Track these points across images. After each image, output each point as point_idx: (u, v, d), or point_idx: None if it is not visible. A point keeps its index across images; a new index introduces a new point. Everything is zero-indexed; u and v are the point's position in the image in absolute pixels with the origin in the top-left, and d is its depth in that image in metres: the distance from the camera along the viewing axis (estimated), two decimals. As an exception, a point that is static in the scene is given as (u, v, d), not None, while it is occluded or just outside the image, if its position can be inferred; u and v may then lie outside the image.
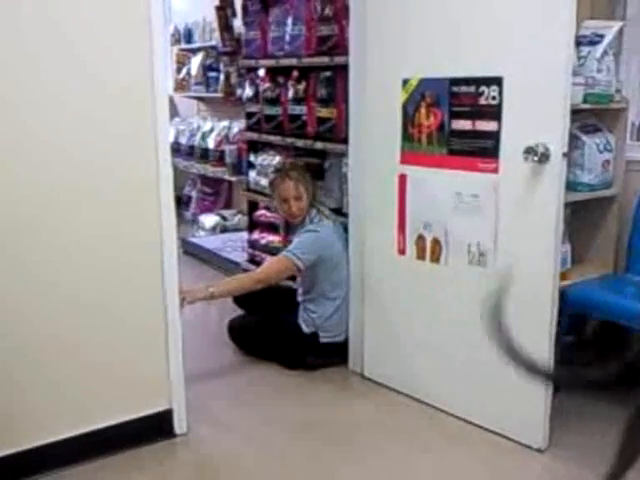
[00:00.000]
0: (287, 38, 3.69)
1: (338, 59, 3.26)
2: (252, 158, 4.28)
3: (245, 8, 4.13)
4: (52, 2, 2.15)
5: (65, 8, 2.17)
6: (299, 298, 3.24)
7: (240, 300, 3.35)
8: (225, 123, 5.53)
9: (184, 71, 6.23)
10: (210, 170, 5.54)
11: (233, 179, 5.24)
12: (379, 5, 2.76)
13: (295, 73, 3.70)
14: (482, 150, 2.47)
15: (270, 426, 2.68)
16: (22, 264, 2.22)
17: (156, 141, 2.36)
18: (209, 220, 5.61)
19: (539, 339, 2.38)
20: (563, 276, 2.61)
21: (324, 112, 3.49)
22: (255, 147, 4.28)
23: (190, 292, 2.88)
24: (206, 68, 5.85)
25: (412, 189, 2.74)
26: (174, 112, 6.42)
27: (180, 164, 5.77)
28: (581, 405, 2.75)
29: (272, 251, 3.98)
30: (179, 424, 2.57)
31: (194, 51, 6.12)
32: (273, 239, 4.15)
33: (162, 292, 2.46)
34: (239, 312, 3.39)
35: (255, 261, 4.22)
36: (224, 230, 5.50)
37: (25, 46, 2.12)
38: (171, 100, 6.33)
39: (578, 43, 2.67)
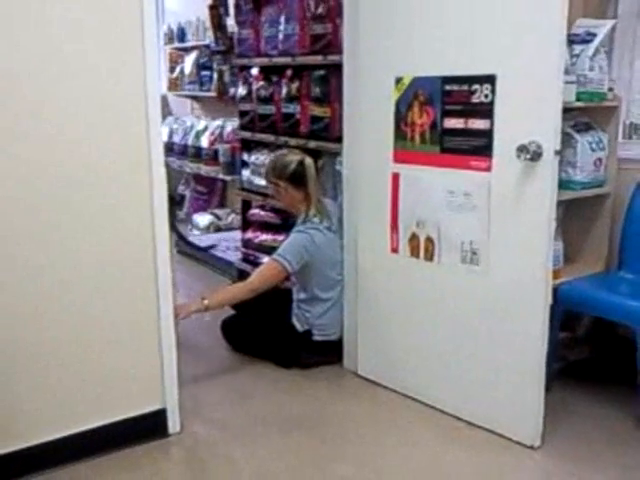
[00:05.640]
0: (280, 37, 3.69)
1: (332, 58, 3.26)
2: (245, 157, 4.27)
3: (238, 7, 4.13)
4: (44, 1, 2.14)
5: (56, 7, 2.16)
6: (294, 296, 3.24)
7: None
8: (219, 122, 5.53)
9: (177, 70, 6.22)
10: (204, 169, 5.53)
11: (227, 178, 5.24)
12: (372, 3, 2.76)
13: (289, 72, 3.70)
14: (475, 148, 2.47)
15: (264, 424, 2.68)
16: (15, 267, 2.22)
17: (149, 141, 2.35)
18: (203, 219, 5.60)
19: (532, 337, 2.39)
20: (556, 274, 2.62)
21: (318, 111, 3.49)
22: (249, 146, 4.27)
23: (184, 307, 2.88)
24: (199, 67, 5.85)
25: (405, 188, 2.74)
26: (167, 111, 6.42)
27: (174, 163, 5.77)
28: (574, 402, 2.78)
29: (266, 250, 3.98)
30: (173, 423, 2.57)
31: (187, 50, 6.12)
32: (266, 238, 4.14)
33: (155, 292, 2.46)
34: (232, 311, 3.39)
35: (249, 260, 4.22)
36: (218, 229, 5.50)
37: (16, 46, 2.11)
38: (164, 99, 6.32)
39: (570, 41, 2.68)
